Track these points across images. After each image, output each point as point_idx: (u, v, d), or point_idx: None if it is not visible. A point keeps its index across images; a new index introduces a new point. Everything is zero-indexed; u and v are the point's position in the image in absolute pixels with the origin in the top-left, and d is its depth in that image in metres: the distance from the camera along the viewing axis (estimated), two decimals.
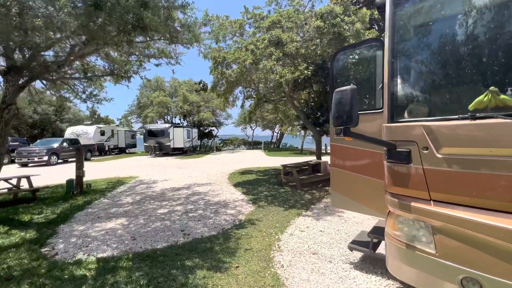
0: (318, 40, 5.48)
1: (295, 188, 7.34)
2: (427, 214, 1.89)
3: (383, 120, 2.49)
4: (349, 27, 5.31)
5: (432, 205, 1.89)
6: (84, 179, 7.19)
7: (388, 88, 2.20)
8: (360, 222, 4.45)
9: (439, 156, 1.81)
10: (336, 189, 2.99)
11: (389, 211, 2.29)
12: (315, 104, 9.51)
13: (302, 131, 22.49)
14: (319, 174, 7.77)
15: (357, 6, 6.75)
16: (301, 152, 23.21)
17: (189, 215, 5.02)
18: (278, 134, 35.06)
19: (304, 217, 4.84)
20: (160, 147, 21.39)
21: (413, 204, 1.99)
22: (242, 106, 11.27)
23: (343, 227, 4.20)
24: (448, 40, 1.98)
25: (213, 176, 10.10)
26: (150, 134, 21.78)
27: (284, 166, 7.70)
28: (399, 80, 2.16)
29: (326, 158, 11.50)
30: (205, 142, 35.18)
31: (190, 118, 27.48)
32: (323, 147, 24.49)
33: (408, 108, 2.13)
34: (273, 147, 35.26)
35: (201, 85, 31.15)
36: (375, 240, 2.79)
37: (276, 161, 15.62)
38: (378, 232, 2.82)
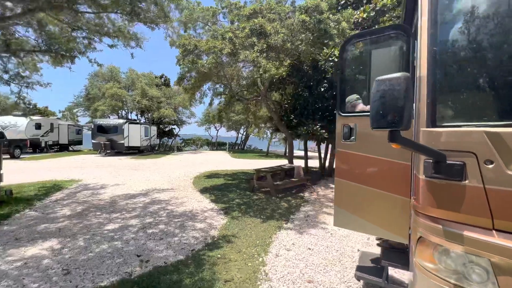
0: (303, 35, 5.07)
1: (269, 195, 6.79)
2: (487, 247, 1.47)
3: (414, 123, 2.05)
4: (335, 25, 5.01)
5: (496, 236, 1.49)
6: (3, 183, 5.54)
7: (428, 82, 1.74)
8: (347, 236, 4.07)
9: (510, 173, 1.40)
10: (341, 205, 2.48)
11: (420, 237, 1.85)
12: (289, 106, 9.16)
13: (269, 133, 22.29)
14: (293, 179, 7.37)
15: (340, 7, 6.62)
16: (267, 154, 23.00)
17: (148, 232, 4.05)
18: (243, 136, 34.55)
19: (286, 230, 4.28)
20: (112, 145, 18.95)
21: (466, 233, 1.55)
22: (210, 104, 10.39)
23: (332, 243, 3.76)
24: None
25: (175, 180, 8.99)
26: (100, 130, 19.18)
27: (258, 170, 7.11)
28: (443, 72, 1.72)
29: (297, 162, 11.26)
30: (164, 141, 32.79)
31: (149, 114, 25.21)
32: (287, 150, 24.84)
33: (459, 108, 1.69)
34: (237, 148, 34.59)
35: (162, 79, 28.93)
36: (390, 268, 2.34)
37: (243, 164, 14.99)
38: (390, 257, 2.38)
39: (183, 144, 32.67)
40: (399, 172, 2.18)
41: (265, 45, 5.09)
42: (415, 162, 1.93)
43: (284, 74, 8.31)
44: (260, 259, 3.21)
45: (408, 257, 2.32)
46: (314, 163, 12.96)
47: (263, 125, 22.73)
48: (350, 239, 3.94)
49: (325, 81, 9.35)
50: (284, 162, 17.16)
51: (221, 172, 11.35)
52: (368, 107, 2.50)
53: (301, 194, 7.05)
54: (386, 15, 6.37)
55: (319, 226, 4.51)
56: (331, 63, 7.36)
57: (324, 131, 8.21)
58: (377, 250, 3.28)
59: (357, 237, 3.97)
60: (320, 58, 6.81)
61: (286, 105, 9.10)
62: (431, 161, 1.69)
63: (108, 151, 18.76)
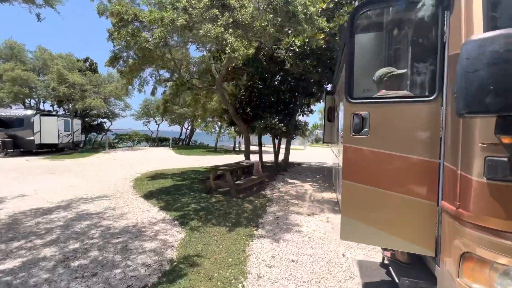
0: (270, 16, 4.47)
1: (229, 196, 6.08)
2: None
3: (441, 112, 1.68)
4: (302, 9, 4.60)
5: None
6: None
7: None
8: (324, 238, 3.75)
9: None
10: (350, 214, 2.01)
11: (466, 252, 1.50)
12: (245, 98, 8.54)
13: (217, 128, 21.28)
14: (253, 177, 6.83)
15: None
16: (215, 150, 21.97)
17: (73, 266, 2.86)
18: (188, 130, 32.41)
19: (259, 239, 3.69)
20: (15, 142, 14.82)
21: None
22: (153, 93, 8.85)
23: (314, 250, 3.35)
24: None
25: (109, 185, 7.34)
26: None
27: (215, 168, 6.29)
28: None
29: (251, 156, 10.79)
30: (92, 138, 28.02)
31: (70, 105, 20.91)
32: (236, 145, 24.28)
33: None
34: (182, 144, 32.30)
35: (87, 63, 24.36)
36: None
37: (192, 161, 13.74)
38: (403, 272, 2.03)
39: (116, 140, 28.49)
40: (423, 171, 1.81)
41: (230, 19, 4.28)
42: (458, 159, 1.56)
43: (239, 63, 7.62)
44: (240, 286, 2.53)
45: (419, 273, 2.01)
46: (265, 158, 12.79)
47: (210, 119, 21.58)
48: (329, 241, 3.62)
49: (281, 73, 9.08)
50: (235, 157, 16.54)
51: (167, 171, 9.99)
52: (383, 92, 2.08)
53: (263, 193, 6.58)
54: (344, 8, 6.34)
55: (293, 229, 4.08)
56: (291, 54, 7.04)
57: (282, 125, 7.91)
58: (368, 256, 3.01)
59: (335, 239, 3.68)
60: (282, 47, 6.39)
61: (242, 97, 8.45)
62: (501, 159, 1.32)
63: (8, 150, 14.60)
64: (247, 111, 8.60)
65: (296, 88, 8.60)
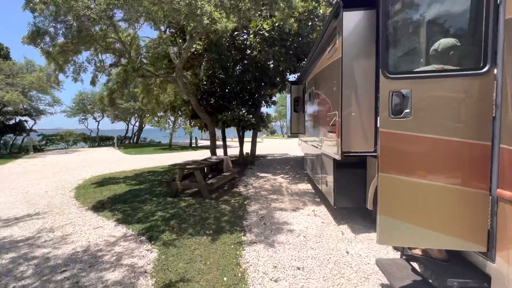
0: None
1: (200, 197, 5.39)
2: None
3: (495, 86, 1.44)
4: None
5: None
6: None
7: None
8: (319, 235, 3.48)
9: None
10: (390, 213, 1.68)
11: None
12: (208, 88, 7.76)
13: (171, 123, 19.59)
14: (225, 174, 6.23)
15: None
16: (170, 147, 20.28)
17: None
18: (136, 127, 29.29)
19: (251, 246, 3.20)
20: None
21: None
22: (93, 83, 7.31)
23: (315, 251, 3.02)
24: None
25: (40, 198, 5.81)
26: None
27: (182, 167, 5.48)
28: None
29: (209, 153, 10.06)
30: (8, 140, 22.93)
31: None
32: (193, 141, 22.88)
33: None
34: (129, 142, 29.12)
35: None
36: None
37: (145, 161, 12.25)
38: (439, 270, 1.81)
39: (44, 142, 23.86)
40: (474, 157, 1.57)
41: None
42: None
43: (200, 48, 6.82)
44: None
45: (460, 270, 1.82)
46: (228, 152, 12.23)
47: (162, 113, 19.71)
48: (326, 238, 3.36)
49: (245, 61, 8.53)
50: (194, 154, 15.41)
51: (118, 175, 8.57)
52: (430, 67, 1.76)
53: (237, 190, 6.05)
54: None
55: (284, 229, 3.70)
56: (258, 39, 6.55)
57: (251, 116, 7.44)
58: (385, 253, 2.77)
59: (330, 234, 3.44)
60: (251, 29, 5.85)
61: (205, 87, 7.65)
62: None
63: None
64: (211, 102, 7.84)
65: (262, 78, 8.19)
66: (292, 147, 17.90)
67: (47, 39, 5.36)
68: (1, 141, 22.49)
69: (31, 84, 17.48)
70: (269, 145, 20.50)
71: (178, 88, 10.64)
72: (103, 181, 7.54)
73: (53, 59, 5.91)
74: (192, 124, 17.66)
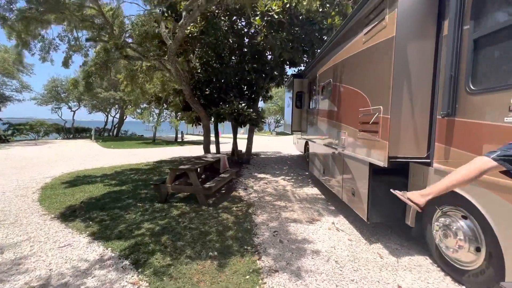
0: None
1: (195, 203, 4.57)
2: None
3: None
4: None
5: None
6: None
7: None
8: (354, 258, 2.82)
9: None
10: None
11: None
12: (204, 77, 6.86)
13: (155, 115, 18.27)
14: (224, 176, 5.43)
15: None
16: (153, 141, 18.97)
17: None
18: (116, 119, 27.40)
19: (272, 277, 2.47)
20: None
21: None
22: (65, 64, 6.16)
23: (361, 286, 2.35)
24: None
25: None
26: None
27: (174, 168, 4.61)
28: None
29: (199, 148, 9.13)
30: None
31: None
32: (179, 135, 21.61)
33: None
34: (108, 135, 27.23)
35: None
36: None
37: (126, 156, 11.09)
38: None
39: (10, 131, 21.52)
40: None
41: None
42: None
43: (197, 31, 5.93)
44: None
45: None
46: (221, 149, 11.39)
47: (146, 104, 18.34)
48: (362, 263, 2.71)
49: (244, 49, 7.71)
50: (181, 150, 14.31)
51: (95, 172, 7.48)
52: None
53: (237, 194, 5.29)
54: None
55: (307, 249, 3.01)
56: (264, 22, 5.76)
57: (251, 110, 6.66)
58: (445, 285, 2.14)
59: (365, 258, 2.80)
60: (258, 10, 5.05)
61: (201, 75, 6.74)
62: None
63: None
64: (206, 93, 6.94)
65: (262, 69, 7.41)
66: (283, 145, 17.33)
67: (4, 3, 4.25)
68: None
69: None
70: (258, 143, 19.79)
71: (168, 76, 9.59)
72: (76, 180, 6.46)
73: (11, 29, 4.77)
74: (179, 118, 16.51)
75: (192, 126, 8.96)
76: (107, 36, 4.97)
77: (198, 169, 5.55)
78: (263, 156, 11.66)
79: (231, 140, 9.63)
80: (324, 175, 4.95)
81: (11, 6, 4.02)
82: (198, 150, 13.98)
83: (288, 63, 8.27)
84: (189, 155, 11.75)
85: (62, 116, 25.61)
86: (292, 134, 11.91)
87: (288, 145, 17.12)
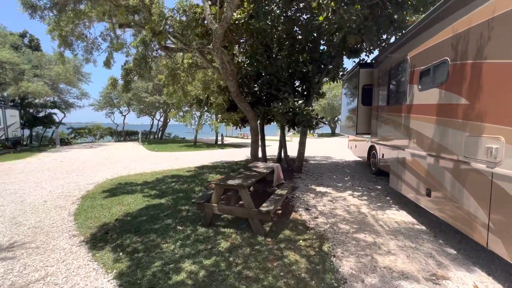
0: None
1: (247, 229, 3.49)
2: None
3: None
4: None
5: None
6: None
7: None
8: None
9: None
10: None
11: None
12: (252, 71, 5.82)
13: (197, 118, 18.11)
14: (280, 192, 4.26)
15: None
16: (195, 144, 18.88)
17: None
18: (161, 122, 28.56)
19: None
20: None
21: None
22: (107, 64, 5.76)
23: None
24: None
25: (31, 214, 4.30)
26: None
27: (221, 183, 3.60)
28: None
29: (240, 151, 8.08)
30: (40, 132, 23.12)
31: (5, 93, 16.22)
32: (219, 138, 21.32)
33: None
34: (154, 138, 28.53)
35: (26, 39, 19.41)
36: None
37: (169, 160, 10.74)
38: None
39: (72, 135, 23.81)
40: None
41: None
42: None
43: (244, 16, 4.90)
44: None
45: None
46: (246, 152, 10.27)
47: (188, 107, 18.32)
48: None
49: (298, 35, 6.48)
50: (222, 153, 13.60)
51: (136, 178, 7.02)
52: None
53: (298, 217, 4.07)
54: None
55: None
56: None
57: (311, 109, 5.40)
58: None
59: None
60: None
61: (249, 68, 5.72)
62: None
63: None
64: (255, 89, 5.90)
65: (321, 58, 6.09)
66: (332, 149, 15.56)
67: None
68: (33, 133, 22.77)
69: (58, 75, 16.93)
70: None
71: (211, 75, 8.87)
72: (117, 188, 5.97)
73: (54, 27, 4.32)
74: (219, 120, 15.97)
75: (236, 128, 8.04)
76: (146, 21, 4.25)
77: (251, 186, 4.49)
78: (312, 162, 10.23)
79: (272, 144, 8.46)
80: (429, 197, 3.42)
81: (49, 6, 3.52)
82: (239, 153, 13.16)
83: (349, 51, 6.78)
84: (231, 159, 10.95)
85: (114, 120, 27.57)
86: (346, 136, 10.26)
87: (338, 149, 15.30)
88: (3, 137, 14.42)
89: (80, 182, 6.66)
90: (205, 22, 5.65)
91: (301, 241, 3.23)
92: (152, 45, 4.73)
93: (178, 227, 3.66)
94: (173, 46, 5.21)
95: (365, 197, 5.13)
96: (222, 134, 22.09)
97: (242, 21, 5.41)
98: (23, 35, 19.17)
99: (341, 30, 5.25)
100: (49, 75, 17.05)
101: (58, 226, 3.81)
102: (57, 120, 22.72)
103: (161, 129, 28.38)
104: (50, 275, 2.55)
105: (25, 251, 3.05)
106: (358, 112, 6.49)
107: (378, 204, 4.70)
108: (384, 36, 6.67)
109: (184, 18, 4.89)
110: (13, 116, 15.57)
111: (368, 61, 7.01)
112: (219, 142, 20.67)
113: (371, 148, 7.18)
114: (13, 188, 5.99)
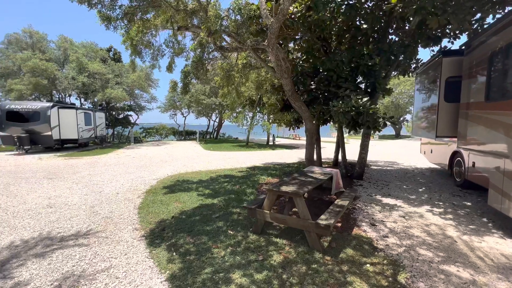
0: None
1: (303, 245, 3.11)
2: None
3: None
4: None
5: None
6: None
7: None
8: None
9: None
10: None
11: None
12: (308, 67, 5.40)
13: (249, 118, 18.37)
14: (341, 203, 3.74)
15: None
16: (247, 144, 19.23)
17: None
18: (216, 123, 30.19)
19: None
20: (32, 138, 13.47)
21: None
22: (169, 69, 6.18)
23: None
24: None
25: (106, 203, 4.83)
26: (12, 117, 13.47)
27: (275, 189, 3.32)
28: None
29: (291, 153, 7.63)
30: (119, 132, 27.11)
31: (91, 96, 19.48)
32: (270, 138, 21.27)
33: None
34: (210, 137, 30.37)
35: (111, 53, 22.96)
36: None
37: (222, 159, 11.07)
38: None
39: (143, 134, 27.29)
40: None
41: None
42: None
43: (301, 4, 4.51)
44: None
45: None
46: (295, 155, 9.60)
47: (241, 108, 18.78)
48: None
49: (362, 25, 5.76)
50: (273, 154, 13.38)
51: (193, 176, 7.36)
52: None
53: (362, 234, 3.49)
54: None
55: None
56: None
57: (377, 107, 4.67)
58: None
59: None
60: None
61: (305, 65, 5.32)
62: None
63: (25, 147, 13.25)
64: (312, 86, 5.46)
65: (391, 49, 5.24)
66: (396, 152, 13.70)
67: (118, 10, 4.13)
68: (114, 133, 26.94)
69: (133, 82, 19.50)
70: (353, 147, 16.66)
71: (264, 75, 8.75)
72: (175, 185, 6.32)
73: (127, 38, 4.77)
74: (271, 121, 15.82)
75: (290, 129, 7.69)
76: (203, 21, 4.33)
77: (307, 193, 4.09)
78: (375, 167, 9.10)
79: (326, 146, 7.75)
80: None
81: (114, 5, 3.90)
82: (291, 155, 12.74)
83: (427, 38, 5.68)
84: (282, 161, 10.64)
85: (176, 121, 30.40)
86: (418, 138, 8.76)
87: (405, 153, 13.39)
88: (93, 135, 17.31)
89: (145, 177, 7.33)
90: (260, 20, 5.49)
91: (368, 265, 2.69)
92: (208, 47, 4.83)
93: (229, 231, 3.54)
94: (227, 46, 5.22)
95: (450, 216, 4.14)
96: (273, 135, 21.98)
97: (299, 14, 5.04)
98: (109, 50, 22.75)
99: (419, 12, 4.37)
100: (127, 82, 19.78)
101: (125, 219, 4.13)
102: (132, 121, 26.32)
103: (216, 129, 30.01)
104: (113, 267, 2.69)
105: (97, 240, 3.36)
106: (439, 110, 5.36)
107: (471, 226, 3.71)
108: (478, 15, 5.38)
109: (239, 18, 4.81)
110: (100, 118, 18.59)
111: (453, 48, 5.77)
112: (270, 143, 20.60)
113: (455, 154, 5.88)
114: (95, 180, 6.94)
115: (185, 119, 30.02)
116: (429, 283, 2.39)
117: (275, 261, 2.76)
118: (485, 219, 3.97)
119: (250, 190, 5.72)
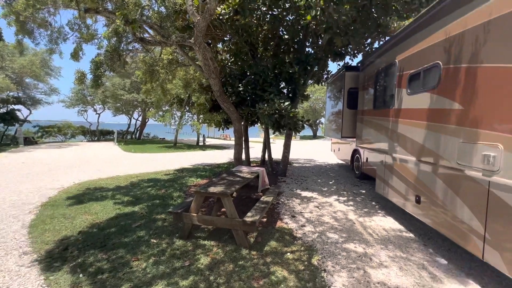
0: None
1: (231, 243, 3.18)
2: None
3: None
4: None
5: None
6: None
7: None
8: None
9: None
10: None
11: None
12: (237, 69, 5.53)
13: (177, 117, 17.42)
14: (266, 199, 3.99)
15: None
16: (175, 145, 18.15)
17: None
18: (139, 121, 27.28)
19: None
20: None
21: None
22: (75, 56, 5.16)
23: None
24: None
25: None
26: None
27: (202, 191, 3.25)
28: None
29: (222, 153, 7.76)
30: (0, 130, 21.04)
31: None
32: (200, 139, 20.70)
33: None
34: (130, 138, 27.21)
35: None
36: None
37: (145, 162, 10.10)
38: None
39: (39, 134, 21.95)
40: None
41: None
42: None
43: (229, 10, 4.62)
44: None
45: None
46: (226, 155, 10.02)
47: (168, 107, 17.60)
48: None
49: (284, 35, 6.31)
50: (203, 155, 13.06)
51: (108, 182, 6.42)
52: None
53: (284, 226, 3.83)
54: None
55: None
56: None
57: (297, 111, 5.21)
58: None
59: None
60: None
61: (233, 67, 5.42)
62: None
63: None
64: (239, 89, 5.61)
65: (307, 60, 5.95)
66: (314, 151, 15.64)
67: None
68: None
69: (22, 68, 15.46)
70: (277, 147, 18.22)
71: (192, 73, 8.43)
72: (85, 194, 5.37)
73: (9, 7, 3.73)
74: (201, 121, 15.45)
75: (219, 129, 7.69)
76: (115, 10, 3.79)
77: (235, 192, 4.16)
78: (296, 164, 10.12)
79: (254, 146, 8.23)
80: (418, 204, 3.33)
81: None
82: (221, 155, 12.76)
83: (334, 53, 6.73)
84: (213, 162, 10.55)
85: (87, 119, 25.89)
86: (329, 138, 10.27)
87: (320, 151, 15.39)
88: None
89: (43, 187, 5.96)
90: (187, 15, 5.28)
91: (288, 253, 2.98)
92: (126, 37, 4.27)
93: (152, 240, 3.26)
94: (150, 39, 4.77)
95: (351, 203, 5.02)
96: (203, 135, 21.53)
97: (227, 16, 5.11)
98: None
99: (328, 31, 5.12)
100: (12, 67, 15.53)
101: (8, 242, 3.25)
102: (21, 117, 20.82)
103: (139, 128, 27.13)
104: None
105: None
106: (343, 115, 6.43)
107: (365, 210, 4.60)
108: (369, 41, 6.70)
109: (163, 10, 4.48)
110: None
111: (353, 64, 7.01)
112: (201, 144, 20.11)
113: (355, 152, 7.16)
114: None
115: (98, 116, 25.92)
116: (334, 261, 2.84)
117: (202, 264, 2.71)
118: (373, 203, 4.99)
119: (178, 194, 5.42)
